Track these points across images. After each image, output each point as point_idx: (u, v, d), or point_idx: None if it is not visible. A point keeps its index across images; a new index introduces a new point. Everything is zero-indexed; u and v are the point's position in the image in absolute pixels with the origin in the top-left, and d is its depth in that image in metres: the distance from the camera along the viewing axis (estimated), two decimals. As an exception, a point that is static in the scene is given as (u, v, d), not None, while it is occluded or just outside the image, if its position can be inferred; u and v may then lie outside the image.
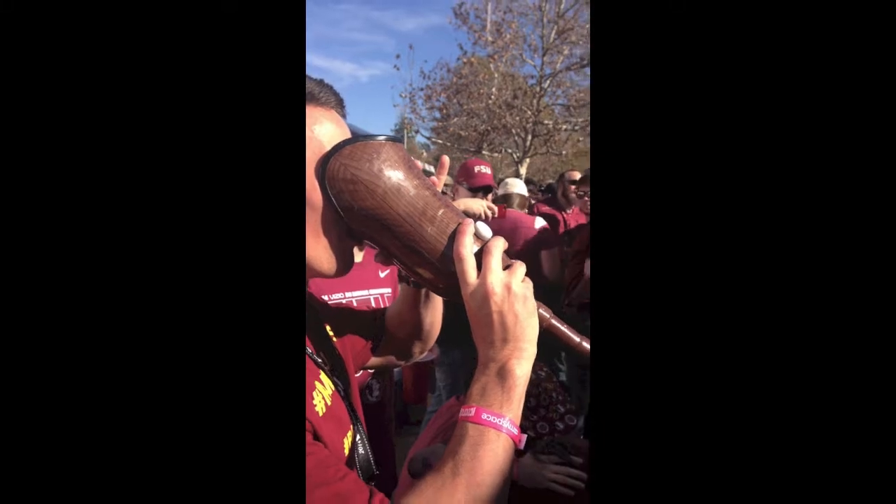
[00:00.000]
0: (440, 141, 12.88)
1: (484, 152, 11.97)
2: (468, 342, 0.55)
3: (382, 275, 1.57)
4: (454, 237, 0.53)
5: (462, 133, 12.00)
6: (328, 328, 0.71)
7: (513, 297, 0.51)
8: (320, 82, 0.55)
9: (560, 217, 3.11)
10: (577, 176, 3.09)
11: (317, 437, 0.49)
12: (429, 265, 0.55)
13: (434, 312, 0.77)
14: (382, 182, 0.52)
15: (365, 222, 0.54)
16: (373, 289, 1.54)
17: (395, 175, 0.53)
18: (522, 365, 0.50)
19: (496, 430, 0.47)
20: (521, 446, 0.49)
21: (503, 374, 0.49)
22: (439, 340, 1.45)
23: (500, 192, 2.44)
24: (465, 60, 11.72)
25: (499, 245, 0.53)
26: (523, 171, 11.57)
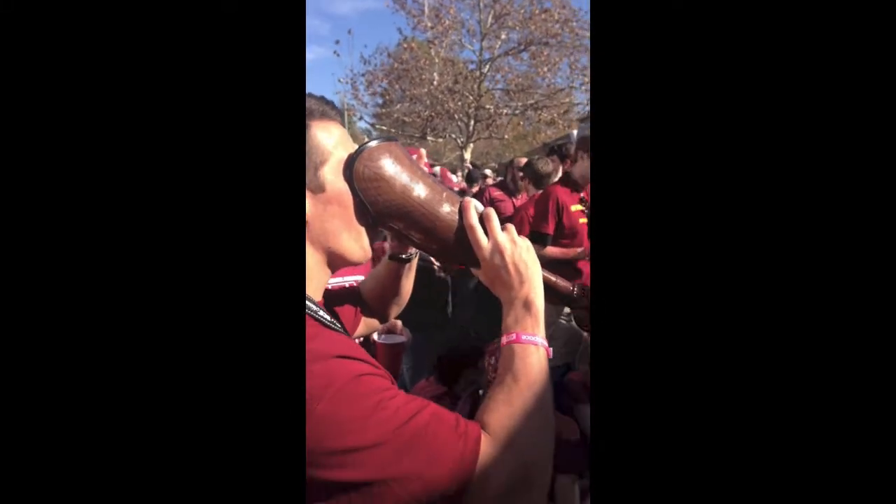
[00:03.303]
0: (384, 127, 12.83)
1: (428, 138, 12.06)
2: (430, 327, 0.68)
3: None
4: (461, 213, 0.67)
5: (406, 119, 12.02)
6: None
7: (519, 248, 0.65)
8: (321, 98, 0.66)
9: (511, 202, 3.34)
10: (525, 162, 3.32)
11: None
12: (443, 239, 0.67)
13: (409, 281, 0.95)
14: (399, 176, 0.64)
15: (389, 212, 0.64)
16: (348, 276, 1.68)
17: (406, 169, 0.65)
18: (539, 297, 0.65)
19: (535, 345, 0.62)
20: (551, 356, 0.65)
21: (528, 306, 0.64)
22: (404, 325, 1.60)
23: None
24: (405, 45, 11.69)
25: (493, 212, 0.67)
26: (468, 155, 11.78)
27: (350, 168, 0.63)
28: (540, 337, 0.64)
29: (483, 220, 0.67)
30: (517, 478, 0.54)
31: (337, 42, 20.32)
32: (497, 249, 0.65)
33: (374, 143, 0.65)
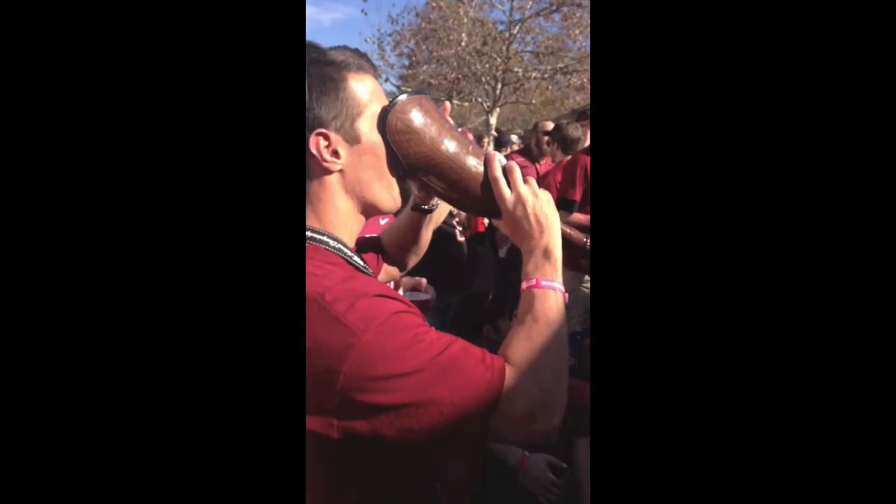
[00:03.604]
0: (409, 89, 12.63)
1: (454, 101, 11.86)
2: (453, 291, 0.71)
3: (383, 222, 1.76)
4: (485, 166, 0.69)
5: (432, 81, 11.82)
6: None
7: (540, 200, 0.69)
8: (356, 51, 0.66)
9: (534, 168, 3.32)
10: (550, 126, 3.28)
11: None
12: (469, 191, 0.70)
13: (429, 232, 0.99)
14: (429, 129, 0.66)
15: (419, 163, 0.67)
16: (376, 234, 1.74)
17: (435, 122, 0.67)
18: (557, 246, 0.69)
19: (553, 290, 0.66)
20: (567, 300, 0.68)
21: (547, 254, 0.68)
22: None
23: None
24: (433, 4, 11.38)
25: (516, 166, 0.70)
26: (493, 120, 11.58)
27: (383, 121, 0.65)
28: (558, 283, 0.68)
29: (506, 172, 0.70)
30: (537, 403, 0.60)
31: (364, 0, 19.65)
32: (520, 201, 0.68)
33: (404, 97, 0.67)
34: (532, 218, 0.68)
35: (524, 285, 0.68)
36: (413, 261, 1.03)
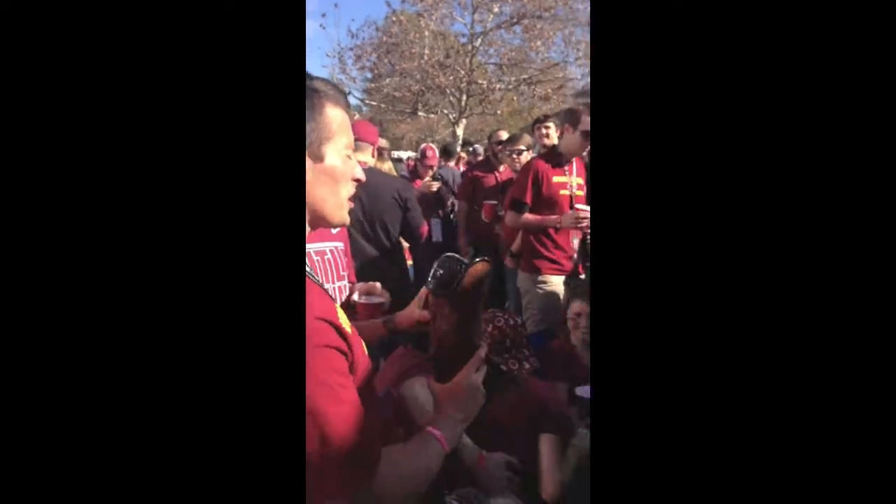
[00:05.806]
0: (374, 103, 12.69)
1: (420, 113, 11.97)
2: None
3: (334, 231, 1.77)
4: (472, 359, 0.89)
5: (396, 94, 11.90)
6: None
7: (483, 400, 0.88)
8: (334, 84, 0.75)
9: (493, 176, 3.40)
10: (504, 136, 3.40)
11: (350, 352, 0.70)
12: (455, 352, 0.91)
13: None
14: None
15: (451, 327, 0.90)
16: (328, 242, 1.75)
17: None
18: (467, 422, 0.87)
19: (438, 440, 0.79)
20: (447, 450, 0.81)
21: (457, 425, 0.84)
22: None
23: None
24: (393, 19, 11.50)
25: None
26: (460, 131, 11.72)
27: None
28: (447, 438, 0.81)
29: (479, 369, 0.87)
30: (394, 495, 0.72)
31: (323, 15, 19.73)
32: (477, 388, 0.85)
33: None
34: (474, 405, 0.85)
35: (428, 427, 0.82)
36: None
